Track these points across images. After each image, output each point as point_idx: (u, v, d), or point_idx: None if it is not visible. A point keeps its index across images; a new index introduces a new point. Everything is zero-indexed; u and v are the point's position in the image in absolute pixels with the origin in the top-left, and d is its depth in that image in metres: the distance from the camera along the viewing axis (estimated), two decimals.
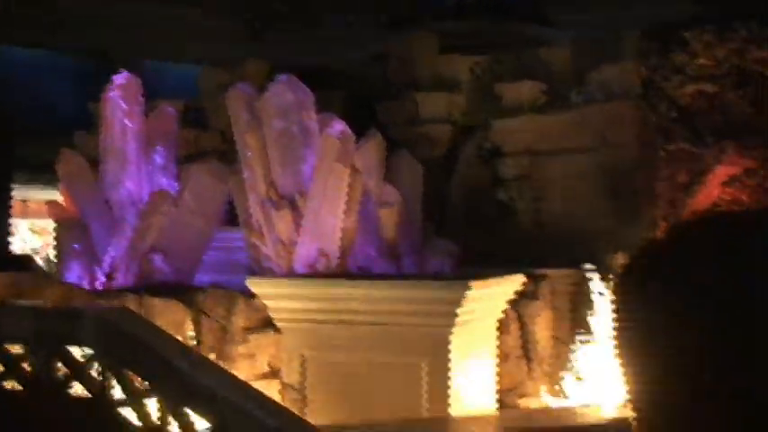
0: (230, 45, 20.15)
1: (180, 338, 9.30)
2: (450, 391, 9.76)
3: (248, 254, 11.25)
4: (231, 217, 11.91)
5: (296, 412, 8.75)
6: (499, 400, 11.00)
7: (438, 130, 16.16)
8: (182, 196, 11.51)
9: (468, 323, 10.11)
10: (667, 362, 1.93)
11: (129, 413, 7.41)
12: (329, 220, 10.75)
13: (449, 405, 9.76)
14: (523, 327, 11.89)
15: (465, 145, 15.99)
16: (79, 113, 16.74)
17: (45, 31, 21.25)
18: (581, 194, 14.06)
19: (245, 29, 21.13)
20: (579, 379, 11.14)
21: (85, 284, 10.97)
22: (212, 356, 10.06)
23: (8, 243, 12.56)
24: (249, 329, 10.67)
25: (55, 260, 13.20)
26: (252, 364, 10.59)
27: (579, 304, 12.21)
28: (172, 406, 7.11)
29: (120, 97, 11.80)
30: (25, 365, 7.81)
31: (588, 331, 11.34)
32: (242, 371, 10.12)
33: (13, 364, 7.82)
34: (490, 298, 10.63)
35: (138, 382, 7.44)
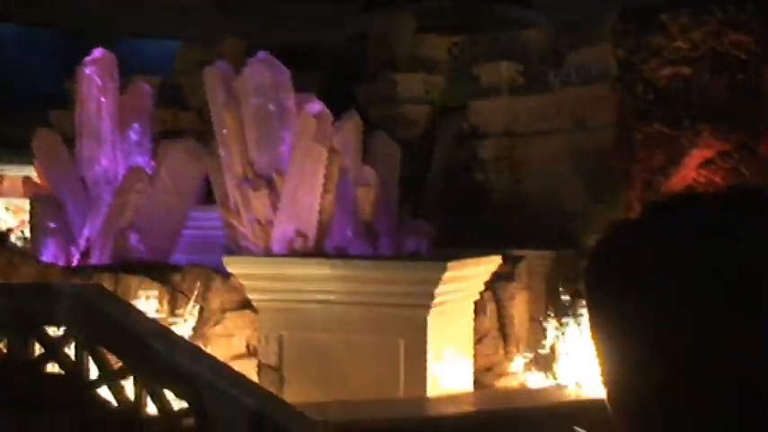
0: (206, 23, 20.04)
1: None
2: (426, 372, 9.80)
3: (225, 233, 11.22)
4: (208, 196, 11.86)
5: (273, 392, 8.76)
6: (476, 381, 11.05)
7: (416, 110, 16.14)
8: (158, 174, 11.45)
9: (445, 304, 10.15)
10: (638, 345, 1.95)
11: (104, 392, 7.39)
12: (306, 200, 10.73)
13: (426, 385, 9.80)
14: (500, 308, 11.94)
15: (443, 126, 15.98)
16: (56, 91, 16.62)
17: (22, 8, 21.04)
18: (559, 176, 14.10)
19: (217, 3, 21.01)
20: (555, 360, 11.19)
21: (61, 262, 10.91)
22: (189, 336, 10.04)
23: None
24: (226, 309, 10.66)
25: (30, 238, 13.12)
26: (229, 344, 10.59)
27: (556, 285, 12.26)
28: (148, 386, 7.09)
29: (95, 73, 11.70)
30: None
31: (565, 312, 11.40)
32: (219, 351, 10.11)
33: None
34: (467, 279, 10.66)
35: (114, 362, 7.41)
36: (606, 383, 2.14)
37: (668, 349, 2.07)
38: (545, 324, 11.53)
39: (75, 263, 11.04)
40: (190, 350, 7.76)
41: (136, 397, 7.17)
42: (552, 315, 11.47)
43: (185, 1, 20.93)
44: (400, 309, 9.81)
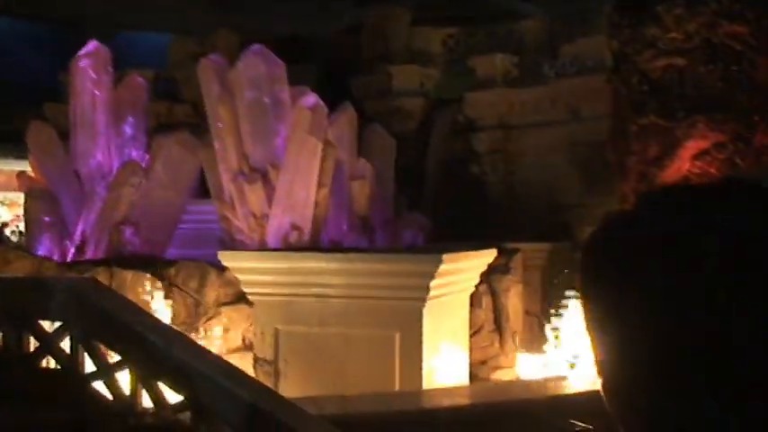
0: (200, 16, 20.00)
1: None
2: (422, 364, 9.80)
3: (220, 227, 11.21)
4: (203, 189, 11.85)
5: (269, 386, 8.75)
6: (471, 373, 11.05)
7: (411, 102, 16.14)
8: (152, 168, 11.43)
9: (441, 296, 10.14)
10: (626, 338, 1.95)
11: (100, 386, 7.38)
12: (302, 194, 10.71)
13: (421, 378, 9.80)
14: (496, 300, 11.94)
15: (438, 118, 15.97)
16: (51, 84, 16.59)
17: (18, 2, 20.98)
18: (554, 168, 14.11)
19: None
20: (549, 351, 11.20)
21: (55, 257, 10.90)
22: (184, 330, 10.03)
23: None
24: (221, 303, 10.65)
25: (25, 232, 13.11)
26: (224, 338, 10.58)
27: (551, 277, 12.27)
28: (143, 379, 7.08)
29: (90, 67, 11.68)
30: None
31: (561, 304, 11.40)
32: (214, 345, 10.11)
33: None
34: (462, 272, 10.66)
35: (110, 355, 7.40)
36: (600, 374, 2.15)
37: (653, 343, 2.06)
38: (543, 320, 11.52)
39: (69, 257, 11.03)
40: (186, 343, 7.74)
41: (131, 391, 7.15)
42: (551, 307, 11.47)
43: None
44: (396, 302, 9.80)
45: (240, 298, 10.64)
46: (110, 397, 7.27)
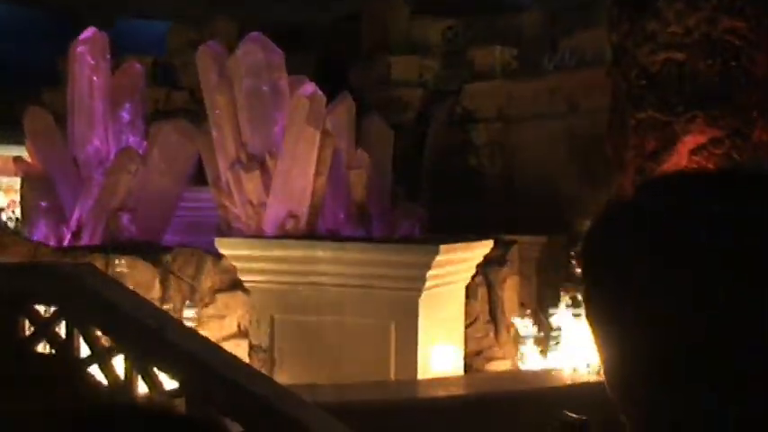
0: (200, 3, 19.95)
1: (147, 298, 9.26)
2: (417, 354, 9.82)
3: (217, 214, 11.20)
4: (200, 177, 11.84)
5: (265, 373, 8.76)
6: (466, 364, 11.08)
7: (410, 93, 16.13)
8: (150, 155, 11.42)
9: (437, 287, 10.16)
10: (625, 332, 1.96)
11: (95, 371, 7.38)
12: (299, 182, 10.71)
13: (416, 367, 9.82)
14: (491, 292, 11.95)
15: (436, 110, 15.97)
16: (49, 70, 16.56)
17: None
18: (552, 161, 14.10)
19: None
20: (543, 342, 11.21)
21: (52, 242, 10.89)
22: (180, 317, 10.04)
23: None
24: (217, 290, 10.65)
25: (21, 218, 13.09)
26: (220, 325, 10.59)
27: (547, 270, 12.28)
28: (139, 365, 7.09)
29: (87, 53, 11.65)
30: None
31: (558, 297, 11.41)
32: (210, 331, 10.11)
33: None
34: (459, 263, 10.67)
35: (105, 341, 7.40)
36: (603, 366, 2.17)
37: (651, 339, 2.08)
38: (535, 309, 11.54)
39: (66, 243, 11.02)
40: (181, 330, 7.75)
41: (126, 376, 7.16)
42: (548, 300, 11.48)
43: None
44: (392, 291, 9.81)
45: (236, 285, 10.65)
46: (105, 382, 7.28)
